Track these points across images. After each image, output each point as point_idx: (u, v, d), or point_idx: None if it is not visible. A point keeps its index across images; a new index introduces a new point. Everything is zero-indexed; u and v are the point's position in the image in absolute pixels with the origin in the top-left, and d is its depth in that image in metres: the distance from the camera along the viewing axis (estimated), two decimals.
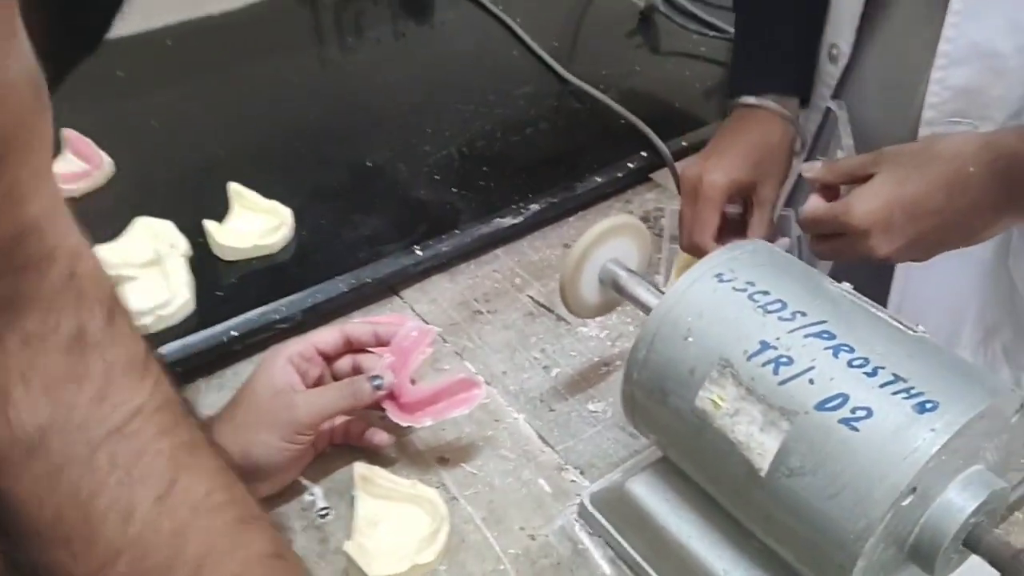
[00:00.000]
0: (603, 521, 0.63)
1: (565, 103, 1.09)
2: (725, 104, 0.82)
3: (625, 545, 0.61)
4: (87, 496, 0.34)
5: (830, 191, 0.66)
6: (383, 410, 0.66)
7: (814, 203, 0.65)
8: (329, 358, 0.68)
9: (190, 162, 0.96)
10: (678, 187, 0.81)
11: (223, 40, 1.23)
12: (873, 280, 0.69)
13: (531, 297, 0.85)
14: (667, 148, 0.98)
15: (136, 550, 0.34)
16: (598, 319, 0.80)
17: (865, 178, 0.62)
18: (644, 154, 0.99)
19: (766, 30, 0.81)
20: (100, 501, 0.34)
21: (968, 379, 0.47)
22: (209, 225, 0.84)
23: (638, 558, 0.61)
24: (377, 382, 0.64)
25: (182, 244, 0.82)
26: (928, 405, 0.46)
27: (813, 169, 0.66)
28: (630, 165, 0.98)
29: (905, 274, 0.72)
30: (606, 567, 0.62)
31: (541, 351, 0.79)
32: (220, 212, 0.87)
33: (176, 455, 0.36)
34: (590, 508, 0.64)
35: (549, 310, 0.83)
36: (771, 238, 0.76)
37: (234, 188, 0.87)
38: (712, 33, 1.21)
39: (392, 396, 0.66)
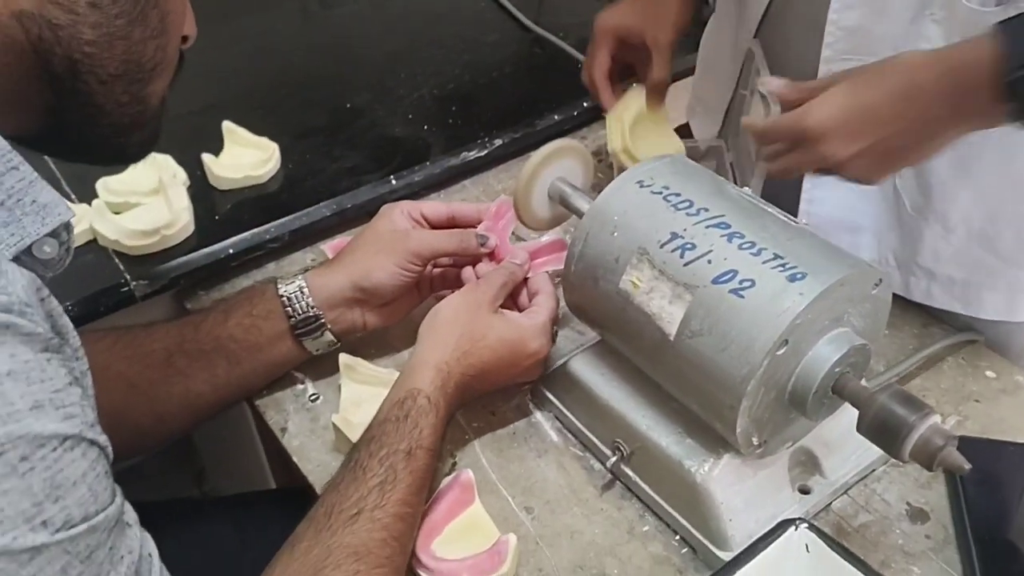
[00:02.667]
0: (551, 396, 0.75)
1: (528, 50, 1.19)
2: None
3: (568, 414, 0.73)
4: None
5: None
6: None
7: (770, 118, 0.69)
8: (433, 227, 0.79)
9: (186, 104, 1.06)
10: None
11: None
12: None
13: None
14: None
15: None
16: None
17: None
18: None
19: None
20: None
21: (834, 257, 0.59)
22: (206, 158, 0.94)
23: (578, 424, 0.72)
24: (483, 239, 0.76)
25: (182, 175, 0.92)
26: (799, 275, 0.57)
27: (773, 83, 0.68)
28: (585, 104, 1.08)
29: (809, 198, 0.83)
30: (554, 435, 0.74)
31: None
32: (215, 148, 0.97)
33: None
34: (540, 387, 0.75)
35: (512, 232, 0.93)
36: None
37: (227, 126, 0.97)
38: None
39: (492, 256, 0.77)
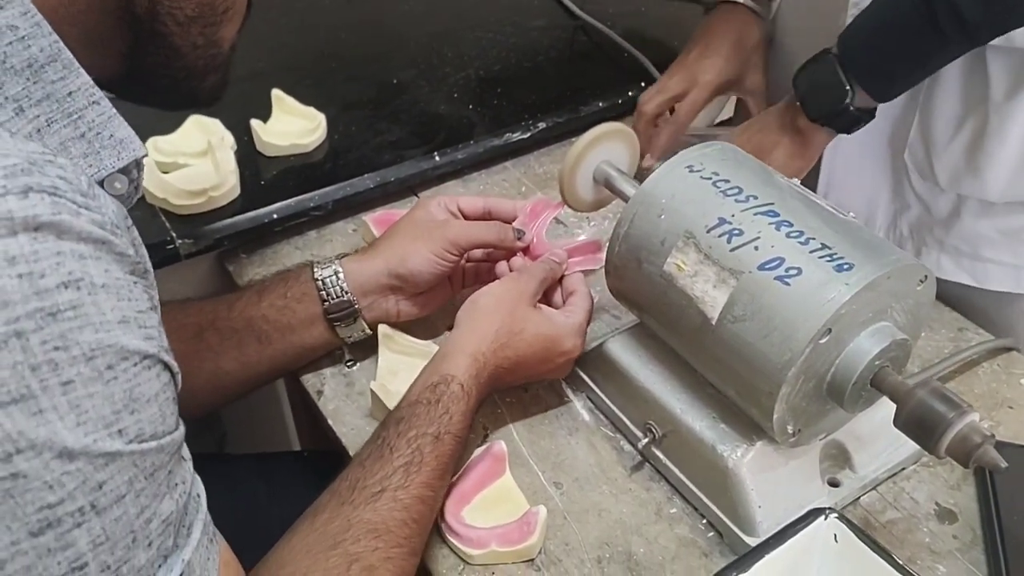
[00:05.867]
0: (585, 377, 0.75)
1: (574, 36, 1.20)
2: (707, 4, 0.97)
3: (601, 395, 0.74)
4: None
5: None
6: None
7: None
8: (468, 219, 0.79)
9: (236, 70, 1.06)
10: None
11: None
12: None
13: None
14: None
15: None
16: (590, 227, 0.92)
17: None
18: (643, 84, 1.09)
19: None
20: None
21: (881, 250, 0.59)
22: (255, 124, 0.95)
23: (611, 405, 0.73)
24: (519, 233, 0.77)
25: (229, 139, 0.94)
26: (846, 266, 0.57)
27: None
28: (630, 94, 1.08)
29: (829, 171, 0.86)
30: (585, 415, 0.75)
31: None
32: (263, 115, 0.98)
33: None
34: (575, 367, 0.76)
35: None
36: None
37: (276, 93, 0.98)
38: None
39: (526, 251, 0.78)
